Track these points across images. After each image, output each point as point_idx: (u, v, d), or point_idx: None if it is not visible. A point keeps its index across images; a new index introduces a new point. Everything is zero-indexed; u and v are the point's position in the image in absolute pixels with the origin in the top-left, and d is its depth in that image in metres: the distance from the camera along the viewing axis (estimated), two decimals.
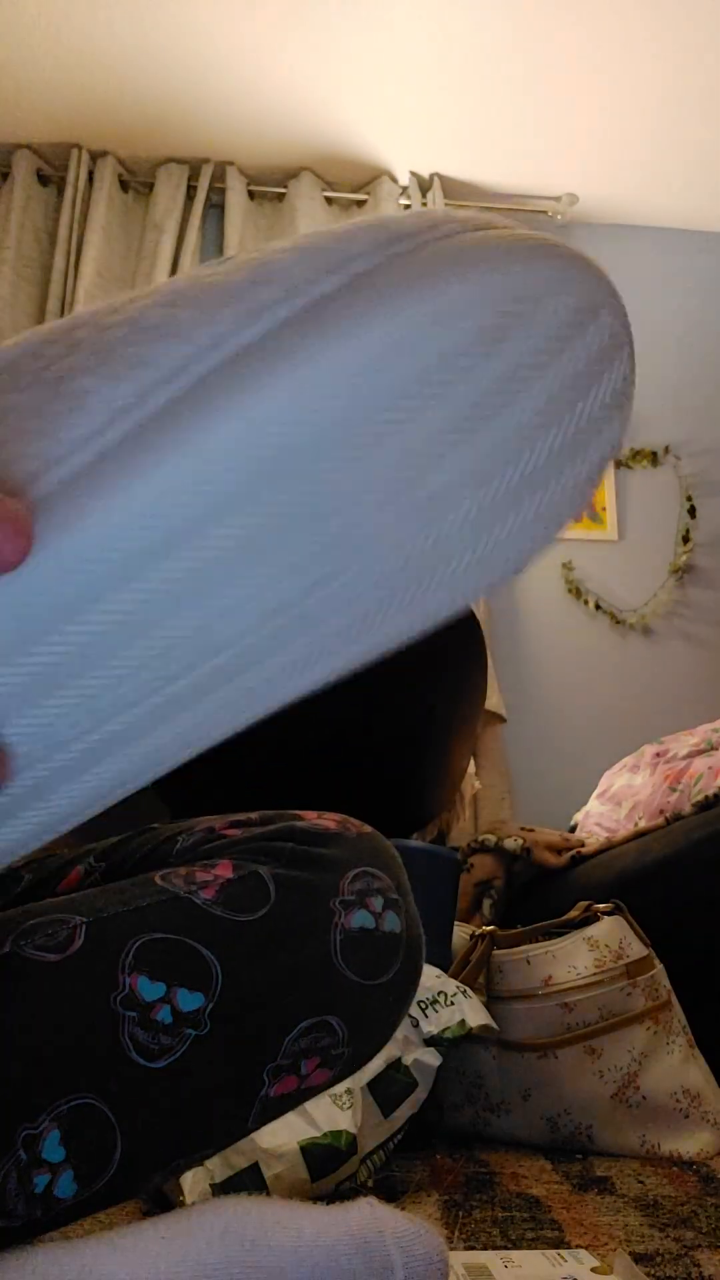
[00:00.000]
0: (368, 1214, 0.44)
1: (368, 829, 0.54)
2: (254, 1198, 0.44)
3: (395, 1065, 0.94)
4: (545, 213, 3.16)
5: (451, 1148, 1.09)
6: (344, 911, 0.48)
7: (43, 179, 2.99)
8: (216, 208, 3.09)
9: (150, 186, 3.02)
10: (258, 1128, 0.48)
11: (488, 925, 1.36)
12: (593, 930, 1.16)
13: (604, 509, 3.00)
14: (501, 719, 2.65)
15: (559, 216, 3.14)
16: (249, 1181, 0.83)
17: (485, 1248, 0.72)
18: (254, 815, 0.54)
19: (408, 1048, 0.96)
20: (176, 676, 0.33)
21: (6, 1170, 0.39)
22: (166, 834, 0.56)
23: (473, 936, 1.24)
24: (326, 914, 0.48)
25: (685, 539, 2.99)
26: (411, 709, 1.51)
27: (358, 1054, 0.49)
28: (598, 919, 1.18)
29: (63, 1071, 0.41)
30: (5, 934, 0.44)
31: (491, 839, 1.68)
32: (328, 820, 0.53)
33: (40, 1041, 0.41)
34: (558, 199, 3.12)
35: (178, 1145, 0.44)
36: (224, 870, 0.48)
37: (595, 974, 1.11)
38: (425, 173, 3.06)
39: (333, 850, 0.51)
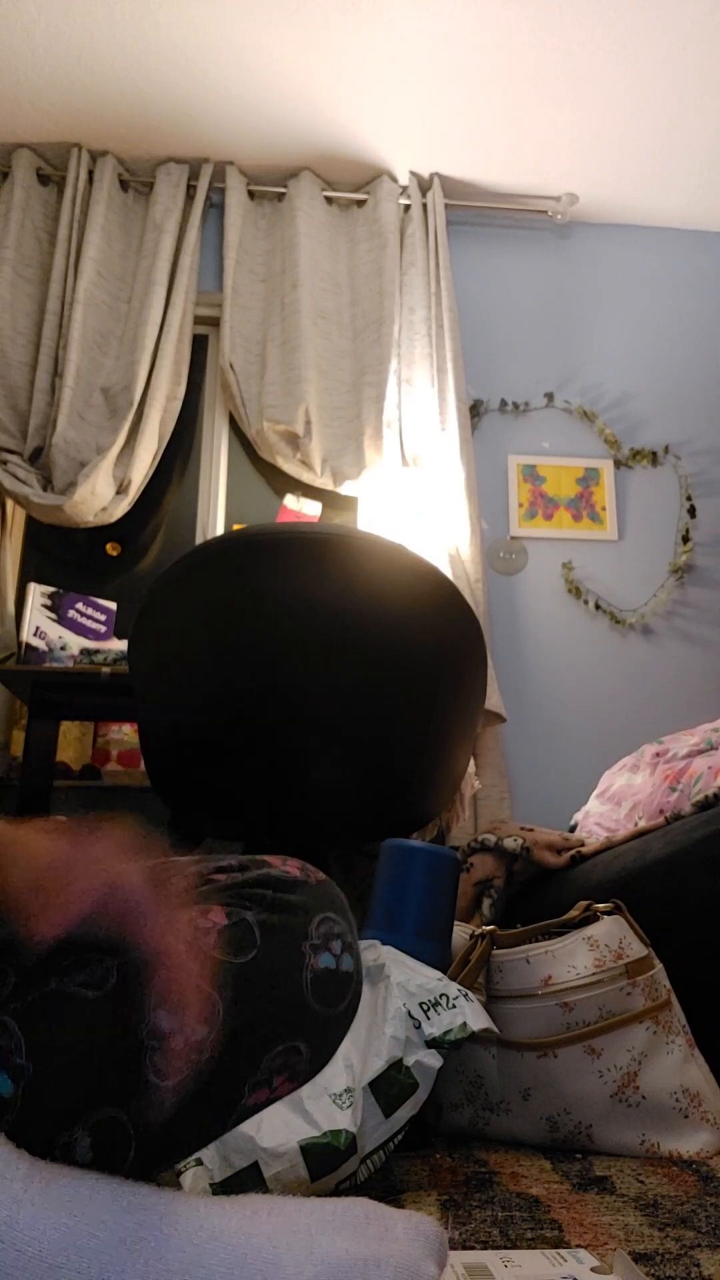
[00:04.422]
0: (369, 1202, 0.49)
1: (323, 876, 0.65)
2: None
3: (397, 1066, 0.94)
4: (545, 213, 3.16)
5: (451, 1147, 1.09)
6: (313, 954, 0.59)
7: (43, 179, 2.98)
8: (216, 207, 3.09)
9: (150, 186, 3.02)
10: (232, 1129, 0.57)
11: (487, 925, 1.36)
12: (592, 930, 1.16)
13: (604, 509, 3.00)
14: (501, 719, 2.65)
15: (559, 216, 3.14)
16: (249, 1181, 0.83)
17: (485, 1247, 0.72)
18: (233, 861, 0.64)
19: (409, 1049, 0.96)
20: None
21: None
22: (160, 878, 0.64)
23: (473, 936, 1.24)
24: (299, 956, 0.58)
25: (685, 539, 2.99)
26: (412, 709, 1.51)
27: (313, 1068, 0.60)
28: (597, 918, 1.18)
29: (97, 1089, 0.48)
30: (49, 972, 0.50)
31: (491, 839, 1.68)
32: (291, 867, 0.63)
33: (82, 1064, 0.48)
34: (558, 199, 3.12)
35: (174, 1147, 0.53)
36: (219, 916, 0.57)
37: (595, 973, 1.11)
38: (425, 172, 3.06)
39: (300, 897, 0.61)
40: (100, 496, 2.68)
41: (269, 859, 0.64)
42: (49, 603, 2.43)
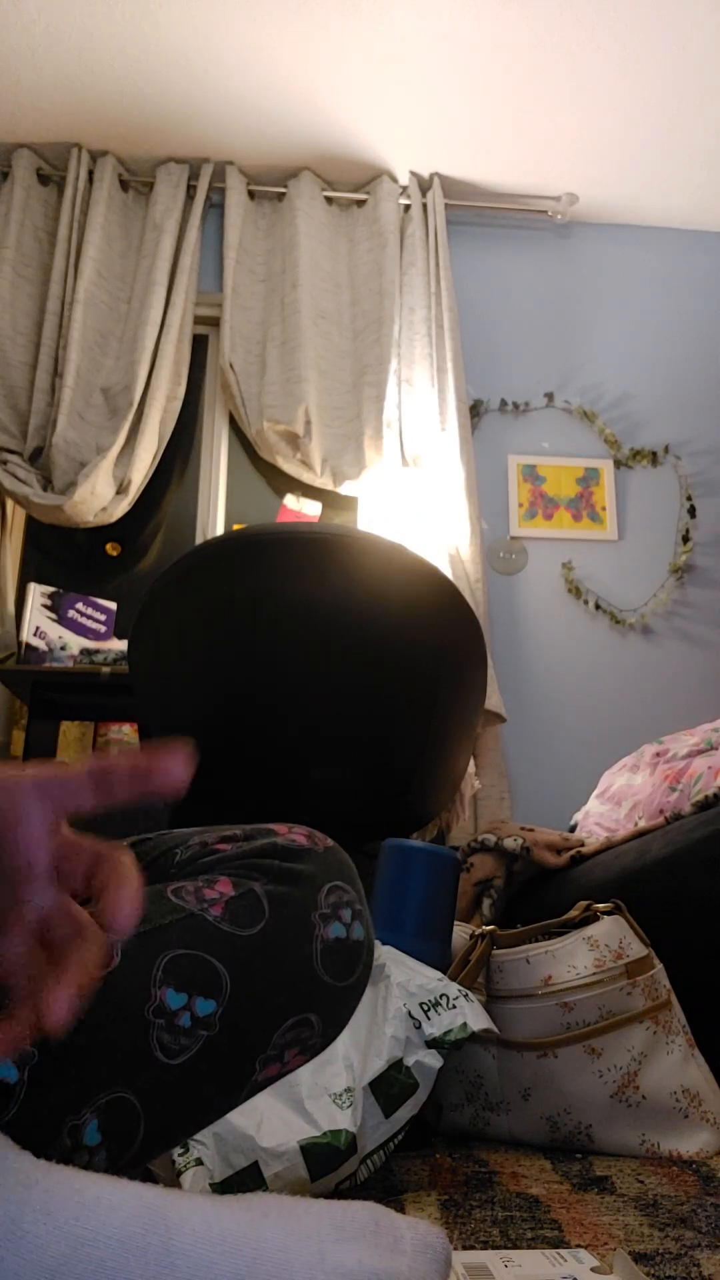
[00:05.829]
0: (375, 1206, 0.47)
1: (330, 842, 0.63)
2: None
3: (397, 1066, 0.94)
4: (545, 213, 3.16)
5: (451, 1147, 1.09)
6: (322, 925, 0.57)
7: (43, 179, 2.98)
8: (216, 207, 3.09)
9: (150, 186, 3.02)
10: (242, 1103, 0.57)
11: (487, 925, 1.36)
12: (592, 930, 1.16)
13: (604, 509, 3.00)
14: (501, 719, 2.65)
15: (559, 216, 3.14)
16: (249, 1180, 0.83)
17: (485, 1247, 0.72)
18: (238, 830, 0.62)
19: (410, 1049, 0.96)
20: None
21: (50, 1157, 0.45)
22: (163, 847, 0.63)
23: (472, 936, 1.24)
24: (309, 926, 0.57)
25: (685, 539, 2.99)
26: (412, 709, 1.51)
27: (325, 1041, 0.59)
28: (597, 918, 1.18)
29: (104, 1071, 0.48)
30: None
31: (491, 839, 1.68)
32: (298, 835, 0.62)
33: (88, 1046, 0.47)
34: (558, 199, 3.12)
35: (183, 1125, 0.52)
36: (225, 887, 0.56)
37: (595, 973, 1.11)
38: (425, 172, 3.06)
39: (307, 866, 0.59)
40: (100, 496, 2.68)
41: (275, 827, 0.62)
42: (49, 603, 2.43)
